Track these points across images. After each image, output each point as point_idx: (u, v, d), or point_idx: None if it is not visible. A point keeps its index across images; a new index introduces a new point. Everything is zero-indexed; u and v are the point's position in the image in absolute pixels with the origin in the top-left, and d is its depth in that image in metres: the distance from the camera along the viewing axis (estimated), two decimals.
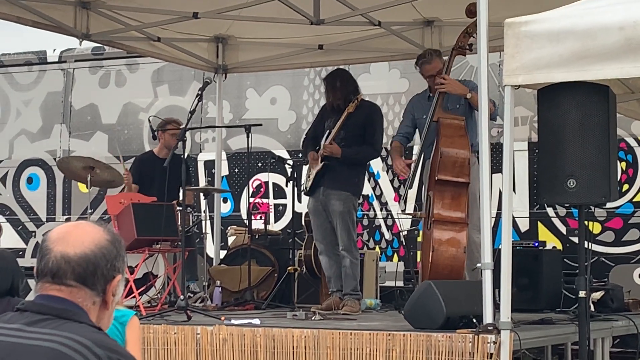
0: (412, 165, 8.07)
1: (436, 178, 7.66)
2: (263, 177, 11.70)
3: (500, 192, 8.48)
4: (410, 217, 9.66)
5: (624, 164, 10.10)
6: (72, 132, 12.84)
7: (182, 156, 8.23)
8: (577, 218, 7.07)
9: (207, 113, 11.96)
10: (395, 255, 11.03)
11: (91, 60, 12.83)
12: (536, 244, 9.52)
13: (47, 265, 2.46)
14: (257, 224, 10.83)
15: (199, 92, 8.29)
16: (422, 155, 8.08)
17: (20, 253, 12.56)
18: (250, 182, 11.63)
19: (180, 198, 8.39)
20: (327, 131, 8.52)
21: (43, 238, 2.52)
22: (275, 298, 9.14)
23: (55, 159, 12.29)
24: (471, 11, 7.55)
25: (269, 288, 9.39)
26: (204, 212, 10.10)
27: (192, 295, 9.12)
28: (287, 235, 10.15)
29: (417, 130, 8.47)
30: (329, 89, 8.69)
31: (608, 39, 5.67)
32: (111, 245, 2.51)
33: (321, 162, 8.43)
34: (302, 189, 8.75)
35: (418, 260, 8.31)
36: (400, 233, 10.78)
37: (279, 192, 11.64)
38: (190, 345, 6.69)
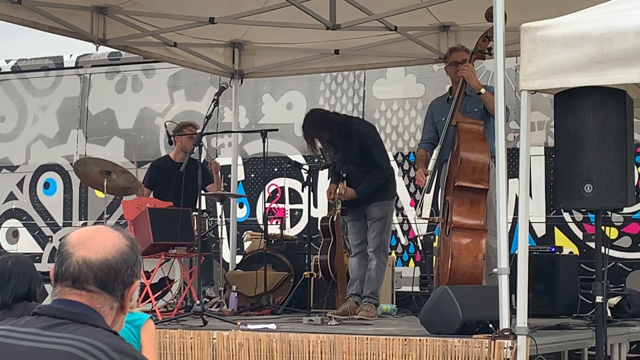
0: (430, 171, 8.01)
1: (455, 184, 7.57)
2: (279, 182, 11.71)
3: (517, 197, 8.46)
4: (427, 221, 9.63)
5: None
6: (89, 137, 12.87)
7: (199, 160, 8.24)
8: (593, 223, 7.04)
9: (223, 118, 11.97)
10: (412, 260, 11.01)
11: (108, 66, 12.87)
12: (553, 249, 9.50)
13: (67, 269, 2.45)
14: (273, 229, 10.83)
15: (215, 97, 8.30)
16: (439, 158, 8.01)
17: (37, 258, 12.60)
18: (267, 187, 11.63)
19: (197, 203, 8.41)
20: (340, 172, 8.57)
21: (62, 242, 2.51)
22: (291, 303, 9.14)
23: (71, 164, 12.32)
24: (491, 15, 7.51)
25: (285, 293, 9.39)
26: (220, 217, 10.10)
27: (208, 300, 9.13)
28: (303, 240, 10.14)
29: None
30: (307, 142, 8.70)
31: (625, 44, 5.65)
32: (130, 250, 2.51)
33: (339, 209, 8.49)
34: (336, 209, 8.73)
35: (434, 265, 8.28)
36: (417, 238, 10.76)
37: (295, 197, 11.64)
38: (206, 350, 6.69)
